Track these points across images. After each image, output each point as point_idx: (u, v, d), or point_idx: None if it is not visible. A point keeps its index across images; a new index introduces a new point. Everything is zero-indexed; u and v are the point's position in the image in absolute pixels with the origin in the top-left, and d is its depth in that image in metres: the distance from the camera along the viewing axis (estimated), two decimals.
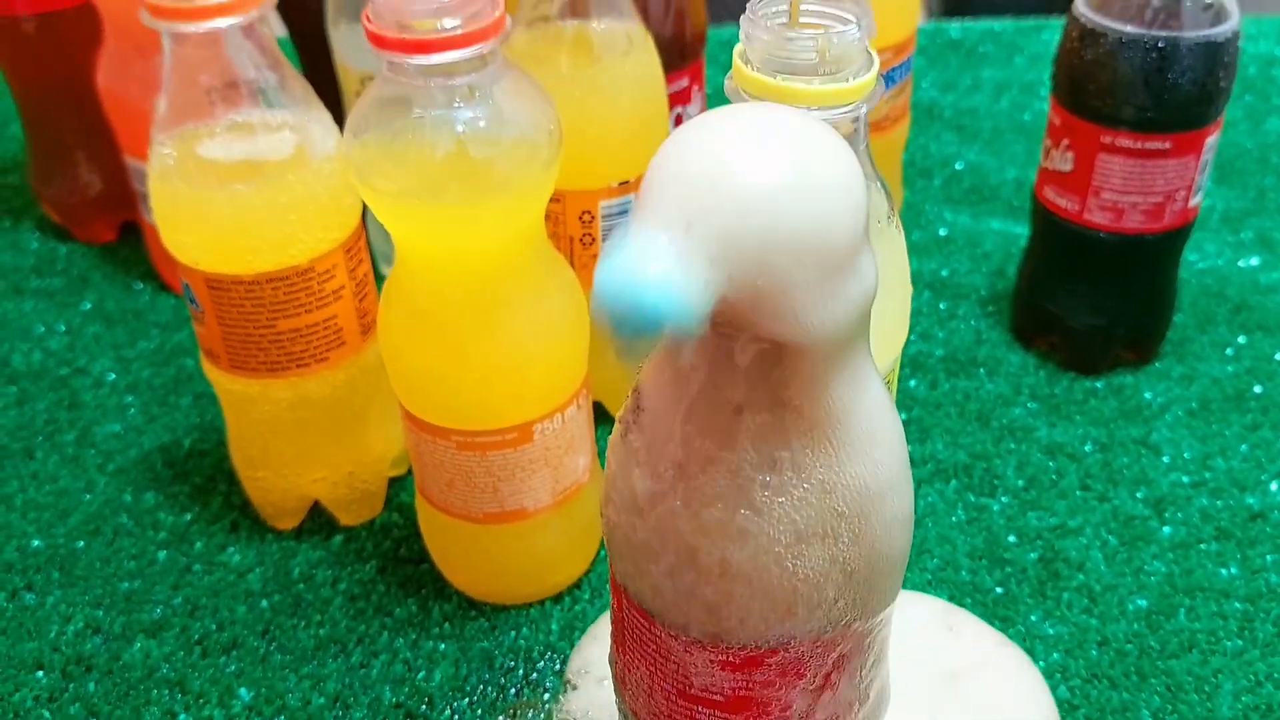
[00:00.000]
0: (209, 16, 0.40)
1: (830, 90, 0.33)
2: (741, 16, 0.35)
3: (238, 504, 0.51)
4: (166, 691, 0.43)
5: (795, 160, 0.24)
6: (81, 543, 0.49)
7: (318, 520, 0.50)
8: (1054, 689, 0.42)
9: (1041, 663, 0.43)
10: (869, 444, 0.28)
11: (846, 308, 0.25)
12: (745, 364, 0.25)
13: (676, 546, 0.28)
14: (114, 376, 0.58)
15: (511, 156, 0.39)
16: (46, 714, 0.43)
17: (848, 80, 0.34)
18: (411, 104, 0.37)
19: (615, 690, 0.34)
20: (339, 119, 0.44)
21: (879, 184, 0.38)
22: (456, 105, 0.37)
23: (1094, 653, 0.44)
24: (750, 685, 0.30)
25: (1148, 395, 0.56)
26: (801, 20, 0.36)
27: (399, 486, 0.52)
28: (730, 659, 0.29)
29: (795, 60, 0.33)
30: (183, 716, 0.42)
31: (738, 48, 0.34)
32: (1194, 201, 0.53)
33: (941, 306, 0.62)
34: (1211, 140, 0.52)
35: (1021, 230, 0.67)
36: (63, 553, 0.49)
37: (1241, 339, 0.59)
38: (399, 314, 0.41)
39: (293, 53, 0.61)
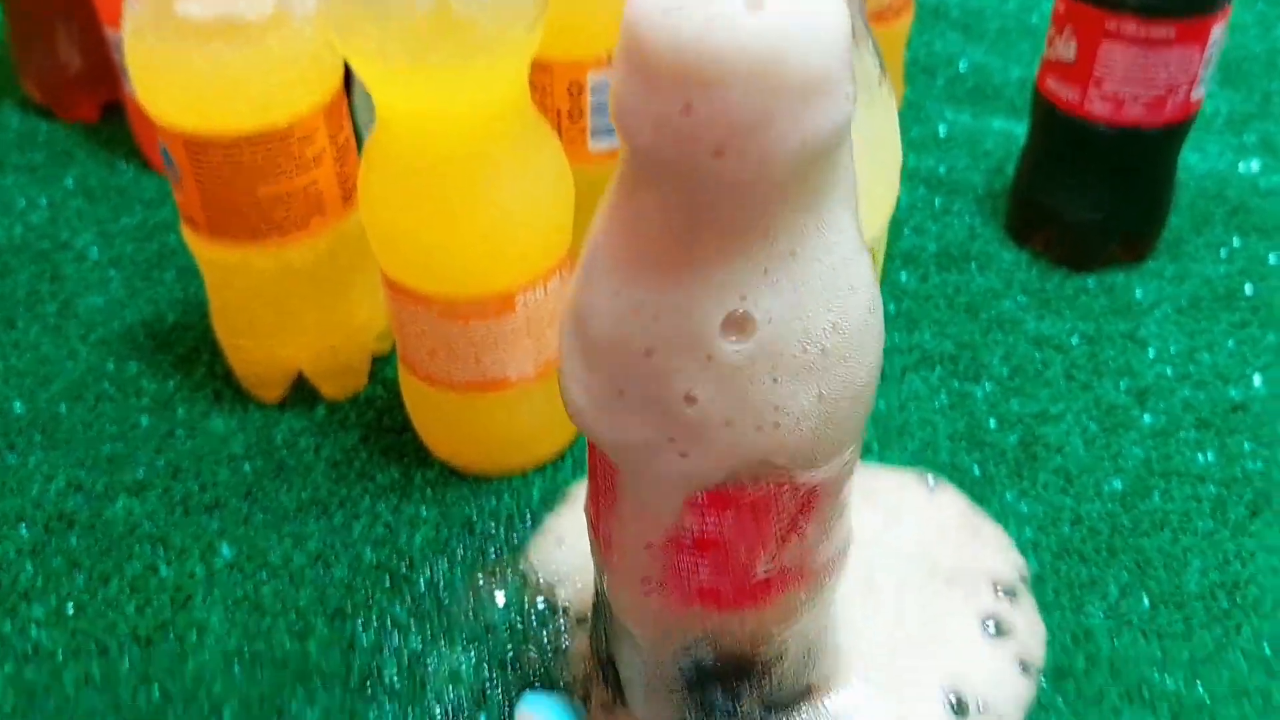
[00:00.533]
0: None
1: None
2: None
3: (221, 374, 0.52)
4: (149, 547, 0.45)
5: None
6: (64, 407, 0.51)
7: (301, 392, 0.52)
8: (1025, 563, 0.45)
9: (1015, 539, 0.45)
10: (837, 285, 0.29)
11: (818, 134, 0.26)
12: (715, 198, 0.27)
13: (642, 382, 0.29)
14: (96, 251, 0.60)
15: (496, 16, 0.39)
16: (30, 565, 0.45)
17: None
18: None
19: (590, 543, 0.36)
20: None
21: (870, 44, 0.39)
22: None
23: (1066, 530, 0.46)
24: (720, 527, 0.32)
25: (1138, 293, 0.57)
26: None
27: (382, 362, 0.53)
28: (697, 500, 0.31)
29: None
30: (164, 570, 0.44)
31: None
32: (1195, 95, 0.54)
33: (937, 202, 0.63)
34: (1217, 31, 0.52)
35: (1023, 130, 0.68)
36: (44, 416, 0.51)
37: (1236, 241, 0.60)
38: (379, 176, 0.42)
39: None
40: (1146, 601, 0.43)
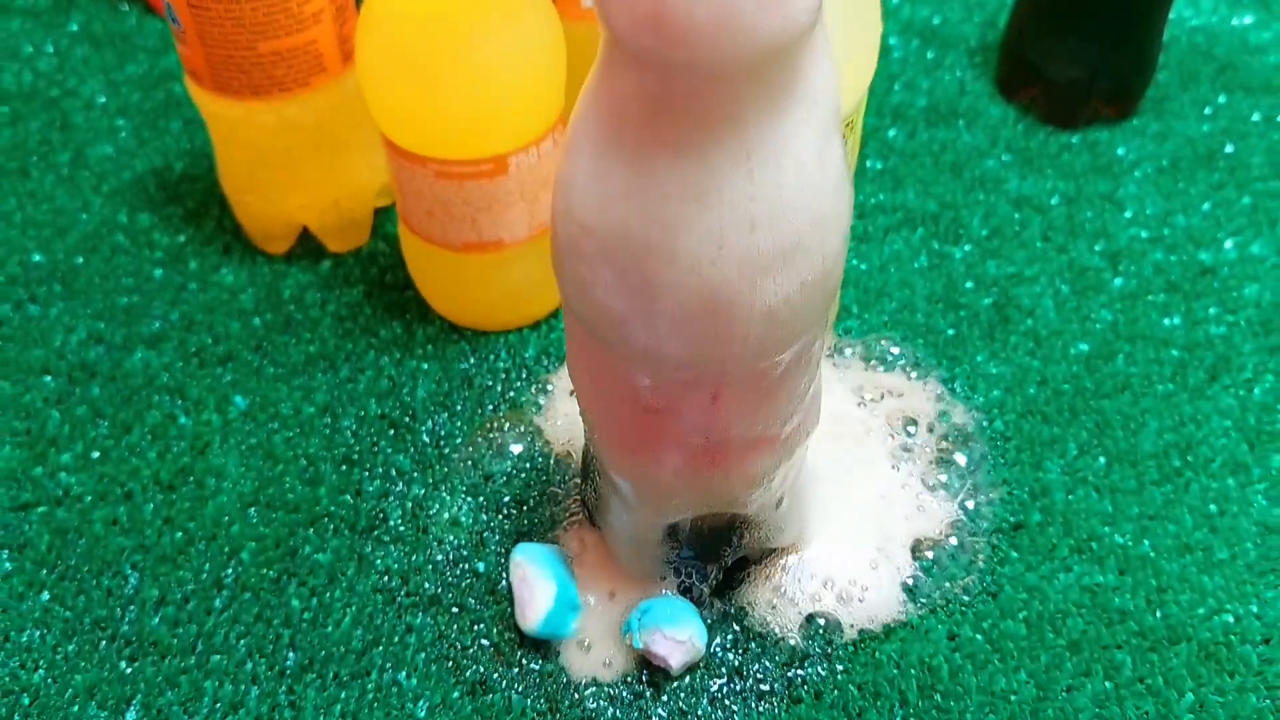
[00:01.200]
0: None
1: None
2: None
3: (229, 228, 0.51)
4: (167, 397, 0.45)
5: None
6: (80, 259, 0.50)
7: (306, 246, 0.51)
8: (990, 423, 0.45)
9: (981, 398, 0.46)
10: (805, 179, 0.27)
11: (785, 30, 0.24)
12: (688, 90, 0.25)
13: (618, 261, 0.28)
14: (104, 99, 0.57)
15: None
16: (55, 414, 0.45)
17: None
18: None
19: (577, 401, 0.36)
20: None
21: None
22: None
23: (1032, 390, 0.46)
24: (681, 398, 0.31)
25: (1120, 151, 0.55)
26: None
27: (384, 216, 0.52)
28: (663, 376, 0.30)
29: None
30: (183, 419, 0.45)
31: None
32: None
33: (929, 55, 0.60)
34: None
35: None
36: (63, 268, 0.50)
37: (1222, 98, 0.58)
38: (375, 38, 0.40)
39: None
40: (1103, 460, 0.44)
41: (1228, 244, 0.51)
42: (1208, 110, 0.57)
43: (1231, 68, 0.59)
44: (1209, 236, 0.52)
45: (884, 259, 0.51)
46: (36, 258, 0.50)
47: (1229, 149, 0.55)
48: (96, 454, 0.44)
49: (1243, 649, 0.38)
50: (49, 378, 0.46)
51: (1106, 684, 0.38)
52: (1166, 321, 0.48)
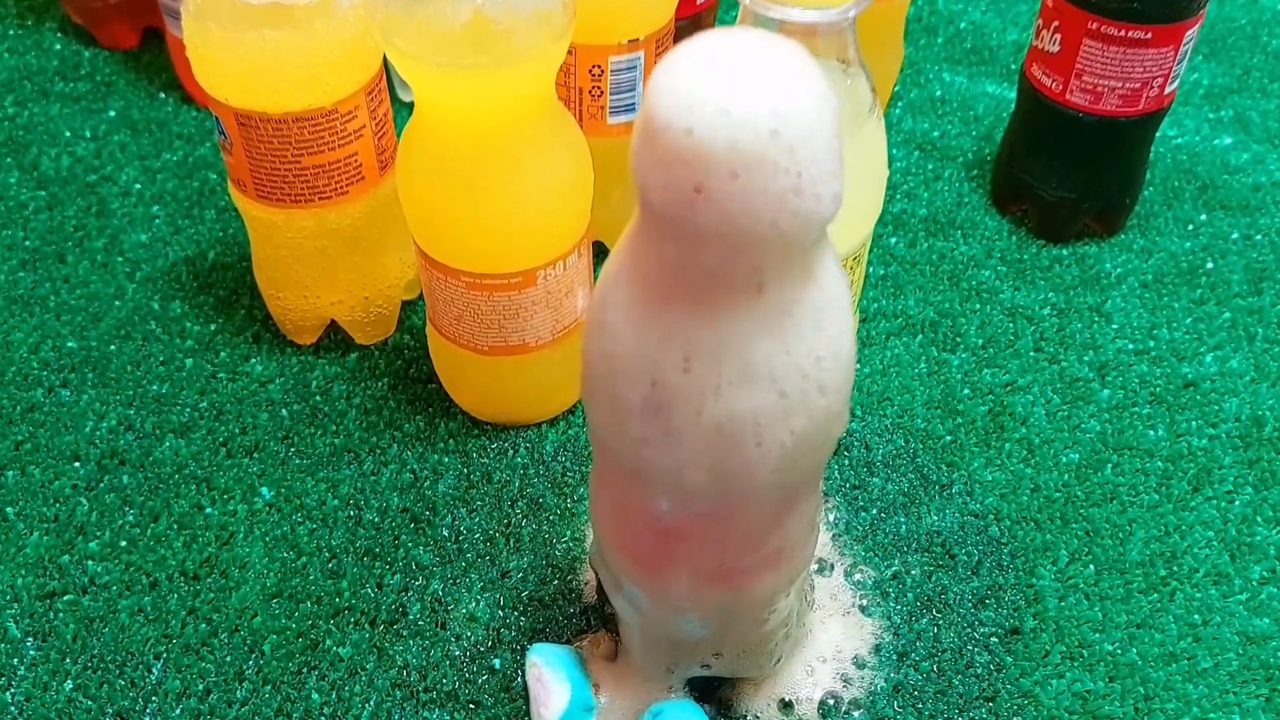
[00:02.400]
0: None
1: None
2: None
3: (260, 318, 0.52)
4: (194, 487, 0.46)
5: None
6: (113, 346, 0.51)
7: (335, 338, 0.52)
8: (986, 528, 0.46)
9: (978, 505, 0.47)
10: (818, 329, 0.29)
11: (808, 226, 0.26)
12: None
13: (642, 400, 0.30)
14: (140, 186, 0.59)
15: (527, 28, 0.39)
16: (85, 501, 0.45)
17: None
18: None
19: (591, 510, 0.37)
20: None
21: (864, 76, 0.38)
22: None
23: (1025, 498, 0.47)
24: (696, 523, 0.32)
25: (1108, 265, 0.57)
26: None
27: (410, 309, 0.53)
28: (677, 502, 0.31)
29: None
30: (210, 510, 0.45)
31: None
32: (1169, 89, 0.53)
33: (929, 168, 0.62)
34: (1191, 33, 0.51)
35: (1012, 95, 0.66)
36: (95, 355, 0.51)
37: (1203, 216, 0.60)
38: (417, 161, 0.42)
39: None
40: (1092, 568, 0.45)
41: (1209, 358, 0.53)
42: (1190, 227, 0.59)
43: (1212, 187, 0.61)
44: (1191, 350, 0.53)
45: (885, 363, 0.52)
46: (70, 344, 0.51)
47: (1209, 265, 0.57)
48: (124, 543, 0.44)
49: None
50: (78, 464, 0.47)
51: None
52: (1151, 433, 0.50)
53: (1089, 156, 0.55)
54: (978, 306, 0.55)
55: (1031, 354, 0.53)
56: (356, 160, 0.46)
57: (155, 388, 0.49)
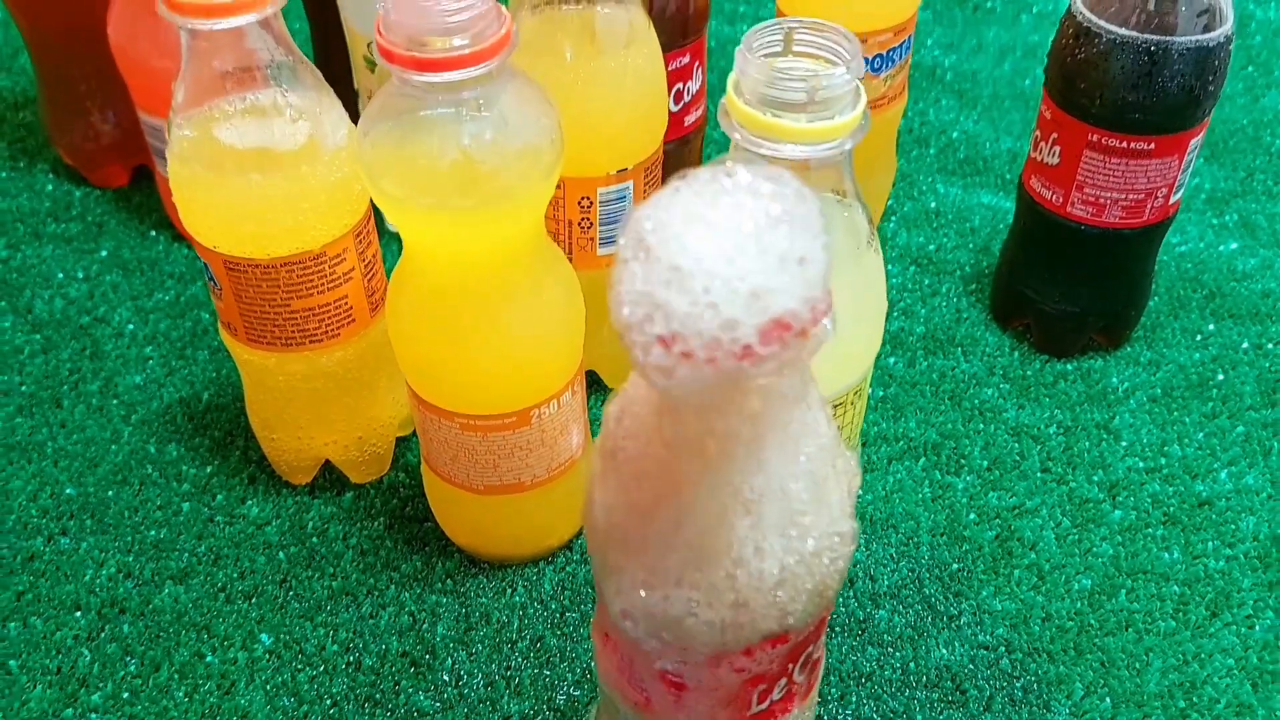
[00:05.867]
0: (228, 14, 0.44)
1: (818, 129, 0.38)
2: (737, 49, 0.40)
3: (255, 459, 0.57)
4: (194, 634, 0.50)
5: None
6: (111, 492, 0.55)
7: (330, 477, 0.56)
8: (997, 661, 0.49)
9: (988, 637, 0.50)
10: (815, 478, 0.33)
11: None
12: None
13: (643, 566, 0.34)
14: (133, 327, 0.64)
15: (515, 166, 0.43)
16: (86, 652, 0.49)
17: (834, 119, 0.38)
18: (419, 113, 0.42)
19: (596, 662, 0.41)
20: (350, 97, 0.48)
21: (860, 207, 0.43)
22: (463, 117, 0.42)
23: (1036, 628, 0.50)
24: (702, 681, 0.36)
25: (1114, 380, 0.61)
26: (795, 49, 0.41)
27: (405, 447, 0.58)
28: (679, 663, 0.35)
29: (785, 98, 0.38)
30: (210, 658, 0.49)
31: (732, 76, 0.39)
32: (1175, 199, 0.58)
33: (925, 283, 0.67)
34: (1195, 141, 0.56)
35: (1009, 205, 0.72)
36: (94, 501, 0.55)
37: (1211, 326, 0.64)
38: (406, 304, 0.46)
39: (307, 44, 0.66)
40: (1109, 701, 0.48)
41: (1223, 475, 0.57)
42: (1198, 338, 0.64)
43: (1220, 295, 0.66)
44: (1204, 467, 0.57)
45: (888, 488, 0.56)
46: (69, 490, 0.55)
47: (1220, 377, 0.61)
48: (126, 694, 0.48)
49: None
50: (79, 613, 0.51)
51: None
52: (1166, 556, 0.53)
53: (1092, 269, 0.60)
54: (981, 426, 0.59)
55: (1039, 475, 0.57)
56: (346, 303, 0.51)
57: (153, 533, 0.54)
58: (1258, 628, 0.51)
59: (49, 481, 0.56)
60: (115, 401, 0.60)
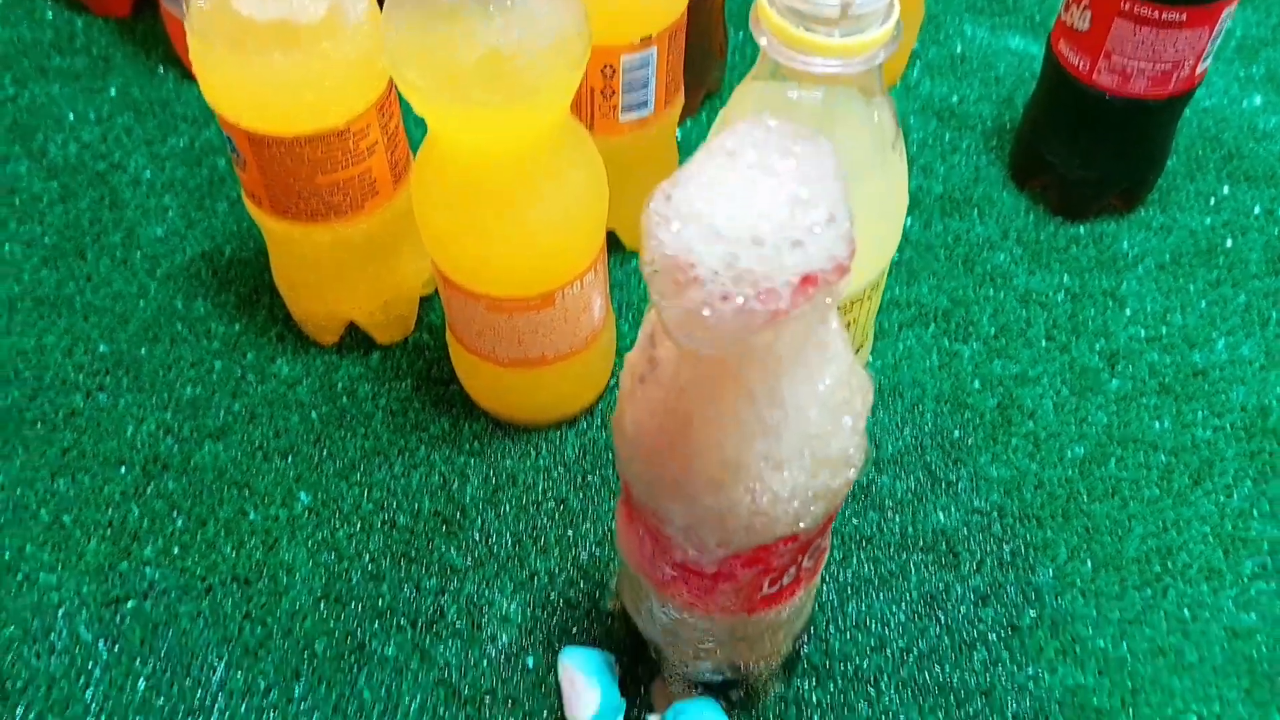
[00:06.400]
0: None
1: (849, 45, 0.39)
2: None
3: (281, 317, 0.60)
4: (236, 491, 0.54)
5: None
6: (144, 350, 0.59)
7: (356, 337, 0.59)
8: (989, 526, 0.54)
9: (983, 503, 0.55)
10: (826, 402, 0.36)
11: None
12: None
13: (679, 475, 0.37)
14: (149, 174, 0.65)
15: (544, 61, 0.44)
16: (135, 508, 0.54)
17: (866, 33, 0.39)
18: (446, 2, 0.42)
19: (619, 544, 0.45)
20: None
21: (887, 103, 0.44)
22: (492, 10, 0.42)
23: (1029, 495, 0.55)
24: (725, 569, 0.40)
25: (1125, 245, 0.64)
26: None
27: (428, 307, 0.61)
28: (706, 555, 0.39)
29: (818, 13, 0.39)
30: (253, 515, 0.54)
31: None
32: (1200, 69, 0.59)
33: (946, 138, 0.68)
34: (1228, 11, 0.57)
35: (1036, 51, 0.72)
36: (127, 359, 0.58)
37: (1225, 189, 0.66)
38: (432, 187, 0.48)
39: None
40: (1090, 565, 0.53)
41: (1220, 344, 0.60)
42: (1211, 201, 0.66)
43: (1238, 156, 0.67)
44: (1203, 336, 0.60)
45: (898, 355, 0.59)
46: (102, 348, 0.59)
47: (1229, 243, 0.64)
48: (177, 549, 0.52)
49: None
50: (124, 469, 0.55)
51: None
52: (1157, 425, 0.57)
53: (1114, 138, 0.61)
54: (991, 293, 0.62)
55: (1043, 343, 0.60)
56: (370, 175, 0.52)
57: (189, 391, 0.57)
58: (1235, 496, 0.55)
59: (81, 338, 0.59)
60: (139, 255, 0.62)
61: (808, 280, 0.31)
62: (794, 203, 0.31)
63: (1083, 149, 0.62)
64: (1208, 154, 0.68)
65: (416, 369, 0.58)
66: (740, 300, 0.30)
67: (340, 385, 0.58)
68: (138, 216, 0.64)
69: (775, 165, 0.32)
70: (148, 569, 0.52)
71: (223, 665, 0.49)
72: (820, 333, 0.35)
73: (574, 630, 0.50)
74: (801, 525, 0.38)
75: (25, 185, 0.65)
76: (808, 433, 0.35)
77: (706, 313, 0.31)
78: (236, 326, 0.60)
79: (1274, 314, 0.61)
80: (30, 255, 0.62)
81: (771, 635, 0.45)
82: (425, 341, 0.59)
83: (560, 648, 0.50)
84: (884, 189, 0.45)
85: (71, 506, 0.54)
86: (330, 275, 0.56)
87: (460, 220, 0.48)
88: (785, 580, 0.42)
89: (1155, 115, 0.60)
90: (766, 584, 0.41)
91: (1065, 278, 0.62)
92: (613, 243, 0.62)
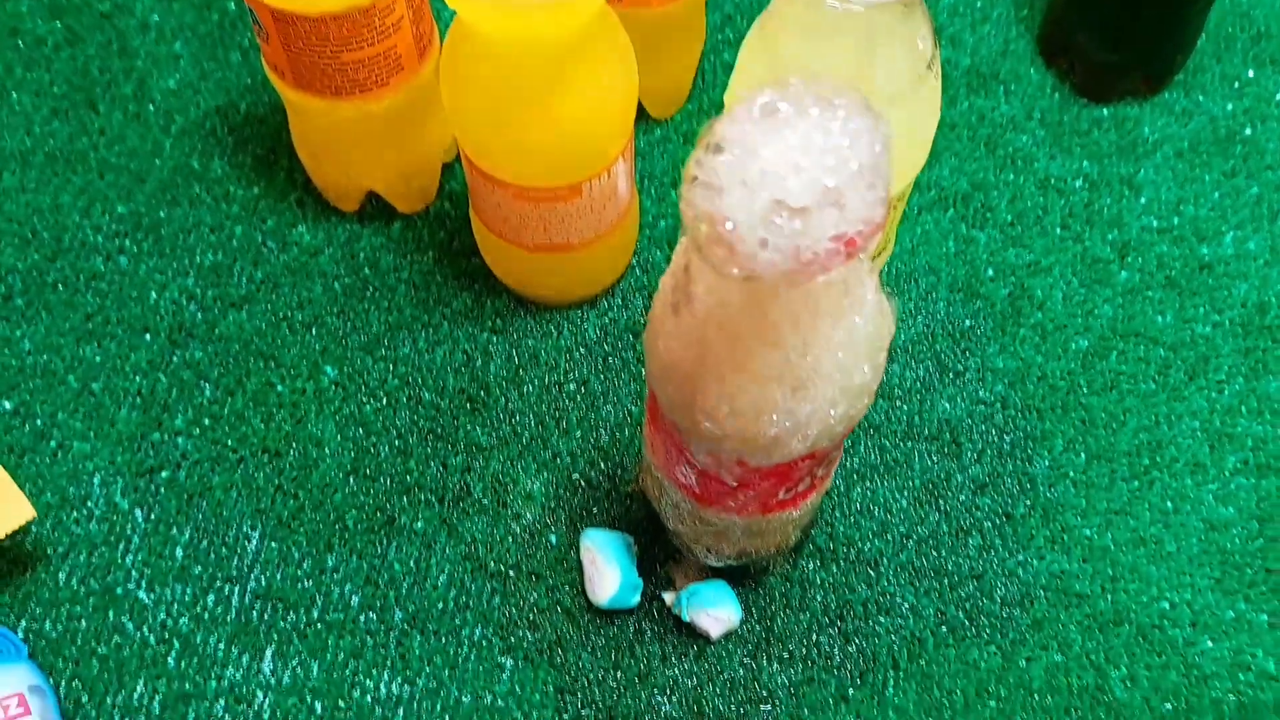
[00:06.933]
0: None
1: None
2: None
3: (300, 181, 0.60)
4: (262, 363, 0.56)
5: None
6: (163, 212, 0.59)
7: (377, 204, 0.60)
8: (991, 416, 0.57)
9: (988, 393, 0.57)
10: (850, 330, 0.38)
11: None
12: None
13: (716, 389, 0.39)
14: (158, 18, 0.64)
15: None
16: (163, 377, 0.56)
17: None
18: None
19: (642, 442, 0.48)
20: None
21: (923, 14, 0.44)
22: None
23: (1031, 387, 0.58)
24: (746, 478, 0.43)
25: (1146, 130, 0.64)
26: None
27: (449, 174, 0.61)
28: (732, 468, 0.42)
29: None
30: (280, 387, 0.56)
31: None
32: None
33: (978, 5, 0.67)
34: None
35: None
36: (146, 221, 0.59)
37: (1251, 73, 0.66)
38: (462, 74, 0.48)
39: None
40: (1083, 456, 0.56)
41: (1228, 238, 0.62)
42: (1235, 85, 0.66)
43: (1267, 36, 0.67)
44: (1213, 229, 0.62)
45: (915, 240, 0.61)
46: (120, 209, 0.59)
47: (1248, 131, 0.65)
48: (207, 420, 0.55)
49: (1172, 632, 0.53)
50: (149, 336, 0.56)
51: (1058, 657, 0.52)
52: (1159, 319, 0.60)
53: (1146, 21, 0.61)
54: (1011, 177, 0.63)
55: (1058, 231, 0.62)
56: (396, 52, 0.52)
57: (210, 257, 0.58)
58: (1226, 392, 0.58)
59: (98, 197, 0.59)
60: (151, 109, 0.62)
61: (844, 241, 0.32)
62: (835, 166, 0.32)
63: (1112, 31, 0.62)
64: (1237, 33, 0.67)
65: (438, 240, 0.60)
66: (777, 258, 0.32)
67: (362, 256, 0.59)
68: (148, 66, 0.63)
69: (817, 126, 0.33)
70: (180, 439, 0.54)
71: (257, 535, 0.53)
72: (851, 274, 0.36)
73: (594, 510, 0.54)
74: (823, 444, 0.40)
75: (28, 27, 0.63)
76: (834, 366, 0.38)
77: (735, 271, 0.32)
78: (255, 190, 0.60)
79: None
80: (40, 106, 0.61)
81: (782, 529, 0.49)
82: (447, 211, 0.60)
83: (582, 527, 0.53)
84: (916, 115, 0.45)
85: (99, 374, 0.56)
86: (352, 148, 0.56)
87: (489, 106, 0.48)
88: (801, 488, 0.45)
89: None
90: (783, 492, 0.45)
91: (1085, 163, 0.63)
92: (641, 115, 0.62)
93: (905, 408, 0.57)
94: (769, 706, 0.51)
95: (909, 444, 0.56)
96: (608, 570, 0.51)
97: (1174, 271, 0.61)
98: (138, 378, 0.56)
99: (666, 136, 0.63)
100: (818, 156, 0.32)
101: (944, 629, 0.52)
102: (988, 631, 0.52)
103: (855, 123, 0.33)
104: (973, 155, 0.63)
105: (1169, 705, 0.51)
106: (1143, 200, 0.63)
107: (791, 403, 0.38)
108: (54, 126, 0.61)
